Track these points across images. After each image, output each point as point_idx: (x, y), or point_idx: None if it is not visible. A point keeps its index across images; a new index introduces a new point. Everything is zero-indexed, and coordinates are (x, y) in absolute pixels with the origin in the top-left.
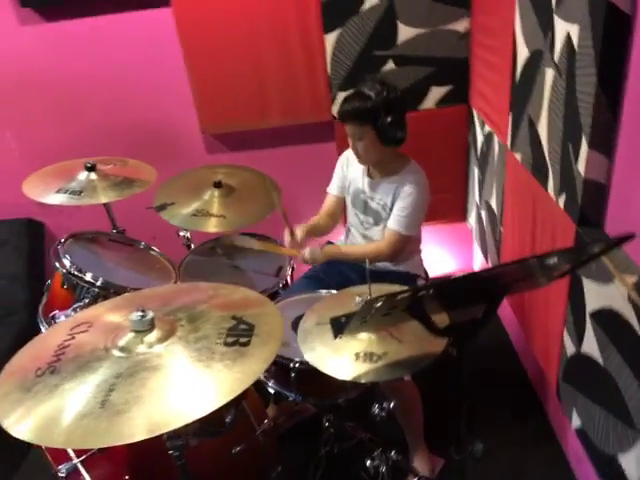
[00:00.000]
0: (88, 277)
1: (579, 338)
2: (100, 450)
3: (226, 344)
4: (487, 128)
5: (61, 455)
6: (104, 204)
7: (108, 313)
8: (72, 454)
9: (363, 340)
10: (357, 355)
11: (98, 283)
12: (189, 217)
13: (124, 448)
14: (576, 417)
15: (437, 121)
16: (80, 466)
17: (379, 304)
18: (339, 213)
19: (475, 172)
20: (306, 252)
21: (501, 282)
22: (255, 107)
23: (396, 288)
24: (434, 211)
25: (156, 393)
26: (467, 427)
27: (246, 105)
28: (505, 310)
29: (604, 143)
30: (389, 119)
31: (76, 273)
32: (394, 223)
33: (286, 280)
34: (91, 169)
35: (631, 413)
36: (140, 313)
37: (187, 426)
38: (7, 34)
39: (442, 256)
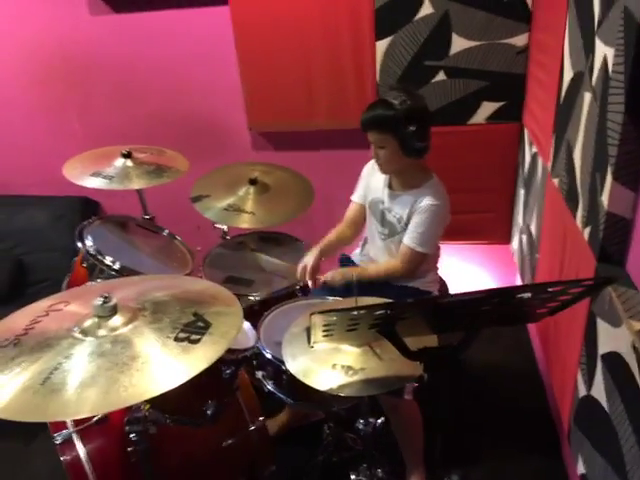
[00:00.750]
0: (107, 260)
1: (590, 380)
2: (97, 422)
3: (176, 339)
4: (534, 148)
5: (60, 423)
6: (137, 190)
7: (89, 294)
8: (69, 423)
9: (346, 353)
10: (334, 366)
11: (115, 266)
12: (221, 211)
13: (121, 423)
14: (581, 463)
15: (486, 137)
16: (74, 435)
17: (333, 318)
18: (362, 222)
19: (521, 193)
20: (330, 276)
21: (472, 311)
22: (302, 108)
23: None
24: (476, 230)
25: (96, 377)
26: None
27: (293, 106)
28: (536, 340)
29: (630, 176)
30: (411, 129)
31: (94, 254)
32: (409, 239)
33: (305, 283)
34: (127, 156)
35: (626, 467)
36: (103, 299)
37: (146, 413)
38: (78, 22)
39: (482, 278)
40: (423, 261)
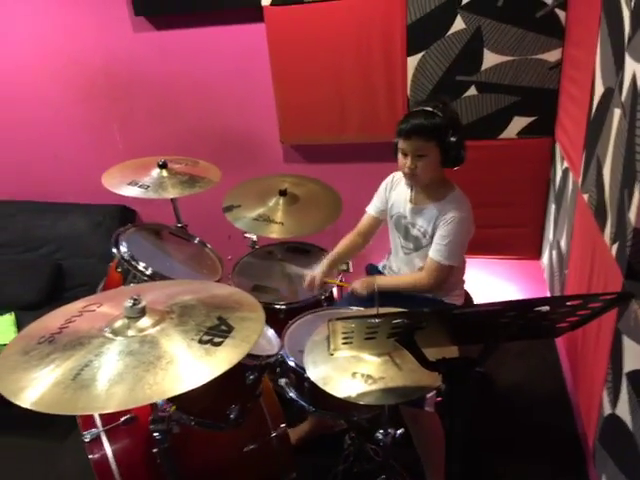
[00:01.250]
0: (140, 266)
1: (615, 398)
2: (125, 422)
3: (200, 341)
4: (565, 163)
5: (90, 422)
6: (171, 199)
7: (121, 297)
8: (98, 423)
9: (366, 362)
10: (354, 374)
11: (147, 272)
12: (251, 221)
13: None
14: None
15: (518, 152)
16: (103, 435)
17: (351, 325)
18: (372, 234)
19: (552, 209)
20: (356, 285)
21: (490, 323)
22: (334, 123)
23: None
24: (507, 245)
25: (124, 374)
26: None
27: (325, 120)
28: (564, 359)
29: None
30: (452, 138)
31: (128, 259)
32: (434, 252)
33: (331, 292)
34: (163, 166)
35: None
36: (132, 301)
37: (170, 411)
38: (122, 40)
39: (511, 293)
40: (450, 274)
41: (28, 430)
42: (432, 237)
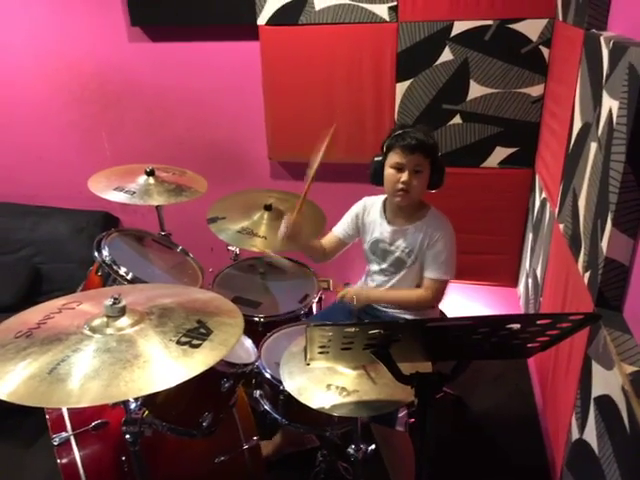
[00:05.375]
0: (121, 271)
1: (583, 423)
2: (94, 428)
3: (178, 342)
4: (543, 194)
5: (60, 425)
6: (156, 207)
7: (101, 297)
8: (68, 426)
9: (341, 374)
10: (329, 386)
11: (128, 277)
12: (234, 233)
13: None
14: None
15: (499, 181)
16: (72, 439)
17: (328, 332)
18: (333, 254)
19: (530, 238)
20: (349, 291)
21: (463, 340)
22: (321, 141)
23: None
24: (485, 271)
25: (100, 371)
26: None
27: (313, 139)
28: (537, 386)
29: (629, 223)
30: (440, 162)
31: (110, 264)
32: (433, 272)
33: (310, 308)
34: (150, 174)
35: None
36: (113, 300)
37: (143, 415)
38: (117, 49)
39: None
40: (447, 288)
41: None
42: (417, 257)
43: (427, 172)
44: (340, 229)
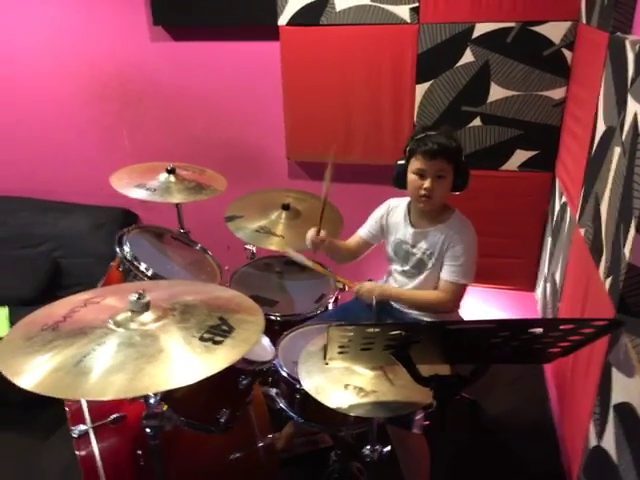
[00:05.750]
0: (142, 267)
1: (601, 430)
2: (113, 422)
3: (201, 339)
4: (564, 198)
5: (79, 417)
6: (176, 205)
7: (125, 292)
8: (87, 419)
9: (359, 375)
10: (347, 386)
11: (148, 273)
12: (252, 232)
13: (137, 425)
14: None
15: (518, 184)
16: (91, 431)
17: (349, 332)
18: (359, 255)
19: (549, 242)
20: (364, 285)
21: (483, 343)
22: (340, 142)
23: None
24: (502, 275)
25: (124, 364)
26: None
27: (331, 139)
28: (553, 392)
29: None
30: (464, 165)
31: (131, 259)
32: (450, 274)
33: (326, 307)
34: (171, 172)
35: None
36: (138, 295)
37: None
38: (139, 47)
39: None
40: (464, 292)
41: (10, 428)
42: (437, 259)
43: (450, 176)
44: (365, 230)
